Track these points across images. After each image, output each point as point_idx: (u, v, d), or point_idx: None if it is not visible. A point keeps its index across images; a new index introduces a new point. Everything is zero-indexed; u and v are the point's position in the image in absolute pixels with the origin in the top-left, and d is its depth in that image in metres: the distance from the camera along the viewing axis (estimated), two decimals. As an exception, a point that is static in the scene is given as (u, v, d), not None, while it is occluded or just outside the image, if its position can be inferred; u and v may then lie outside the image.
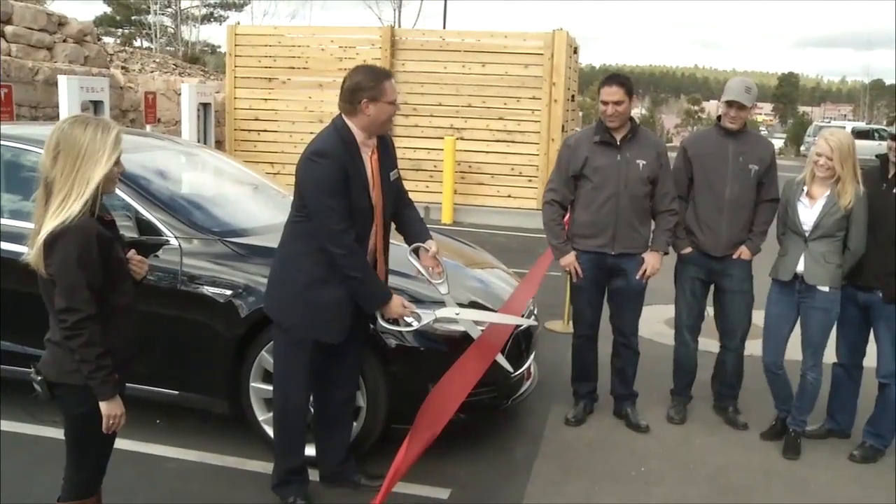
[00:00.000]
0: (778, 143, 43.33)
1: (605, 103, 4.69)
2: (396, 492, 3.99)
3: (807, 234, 4.52)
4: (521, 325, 4.29)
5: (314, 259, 3.54)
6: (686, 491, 4.25)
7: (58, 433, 4.22)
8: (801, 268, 4.55)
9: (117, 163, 2.75)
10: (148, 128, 12.32)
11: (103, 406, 2.73)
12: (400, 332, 3.92)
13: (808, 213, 4.53)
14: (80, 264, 2.63)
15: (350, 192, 3.48)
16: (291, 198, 3.80)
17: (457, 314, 3.85)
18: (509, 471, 4.36)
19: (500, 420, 4.81)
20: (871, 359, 4.77)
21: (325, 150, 3.49)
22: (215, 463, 4.25)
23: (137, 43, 34.22)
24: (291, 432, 3.79)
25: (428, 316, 3.80)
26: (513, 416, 4.90)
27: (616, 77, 4.77)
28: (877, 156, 4.64)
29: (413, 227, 3.91)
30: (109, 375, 2.71)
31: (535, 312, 4.96)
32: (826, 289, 4.51)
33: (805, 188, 4.56)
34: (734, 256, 4.84)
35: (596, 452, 4.65)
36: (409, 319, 3.76)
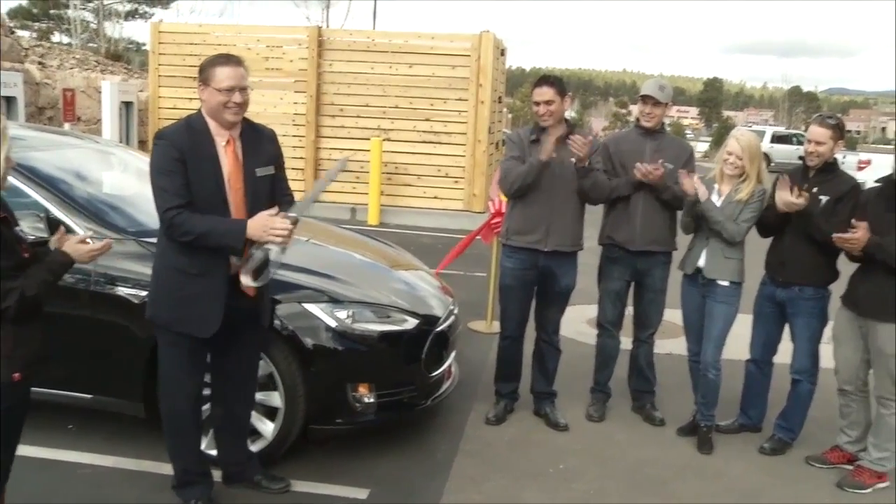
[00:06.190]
0: (703, 147, 44.30)
1: (537, 104, 4.78)
2: (314, 492, 4.02)
3: (710, 230, 4.69)
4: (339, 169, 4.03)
5: (177, 251, 3.48)
6: (604, 486, 4.33)
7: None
8: (702, 262, 4.72)
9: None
10: (66, 126, 12.00)
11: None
12: (273, 260, 3.54)
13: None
14: None
15: (192, 177, 3.40)
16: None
17: (292, 216, 3.49)
18: (429, 469, 4.37)
19: (421, 419, 4.82)
20: (780, 355, 4.95)
21: (163, 132, 3.49)
22: (131, 468, 4.16)
23: (56, 38, 33.21)
24: (178, 433, 3.75)
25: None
26: (433, 415, 4.91)
27: (546, 78, 4.85)
28: (800, 157, 4.80)
29: None
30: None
31: (456, 312, 4.99)
32: (726, 283, 4.69)
33: (716, 186, 4.71)
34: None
35: (516, 450, 4.69)
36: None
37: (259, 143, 3.64)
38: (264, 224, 3.38)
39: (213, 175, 3.46)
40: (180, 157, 3.39)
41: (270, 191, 3.64)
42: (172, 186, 3.38)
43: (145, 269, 4.10)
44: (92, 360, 4.24)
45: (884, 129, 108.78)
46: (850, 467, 4.55)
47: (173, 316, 3.56)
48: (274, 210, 3.43)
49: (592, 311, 5.47)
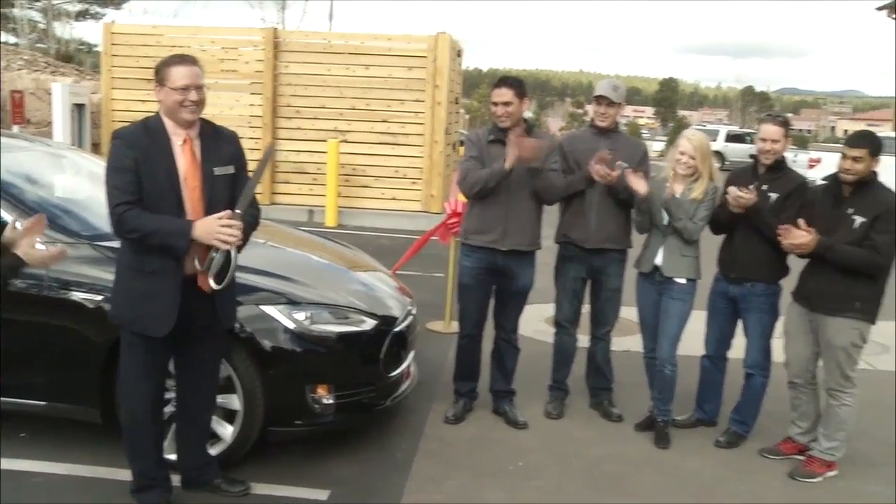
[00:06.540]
0: (659, 146, 44.76)
1: (495, 104, 4.80)
2: (274, 495, 4.01)
3: (665, 228, 4.76)
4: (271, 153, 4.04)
5: (131, 249, 3.50)
6: (563, 483, 4.37)
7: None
8: (659, 260, 4.78)
9: None
10: (15, 129, 11.79)
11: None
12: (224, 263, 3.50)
13: None
14: None
15: (146, 175, 3.41)
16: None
17: (238, 212, 3.49)
18: (389, 469, 4.38)
19: (381, 419, 4.82)
20: (734, 350, 5.04)
21: (119, 131, 3.51)
22: (86, 475, 4.11)
23: (2, 38, 32.47)
24: (136, 434, 3.72)
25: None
26: (393, 415, 4.92)
27: (506, 79, 4.88)
28: (751, 156, 4.89)
29: None
30: None
31: (415, 312, 5.00)
32: (683, 280, 4.77)
33: (669, 185, 4.78)
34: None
35: (475, 449, 4.72)
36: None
37: (218, 142, 3.65)
38: (211, 226, 3.39)
39: (167, 173, 3.47)
40: (133, 155, 3.41)
41: (230, 190, 3.63)
42: (123, 184, 3.39)
43: (100, 273, 4.07)
44: (46, 366, 4.17)
45: (833, 127, 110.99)
46: (802, 458, 4.66)
47: (130, 315, 3.56)
48: (225, 213, 3.43)
49: (550, 309, 5.52)
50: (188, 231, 3.39)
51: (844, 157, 4.32)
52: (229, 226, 3.40)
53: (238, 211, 3.49)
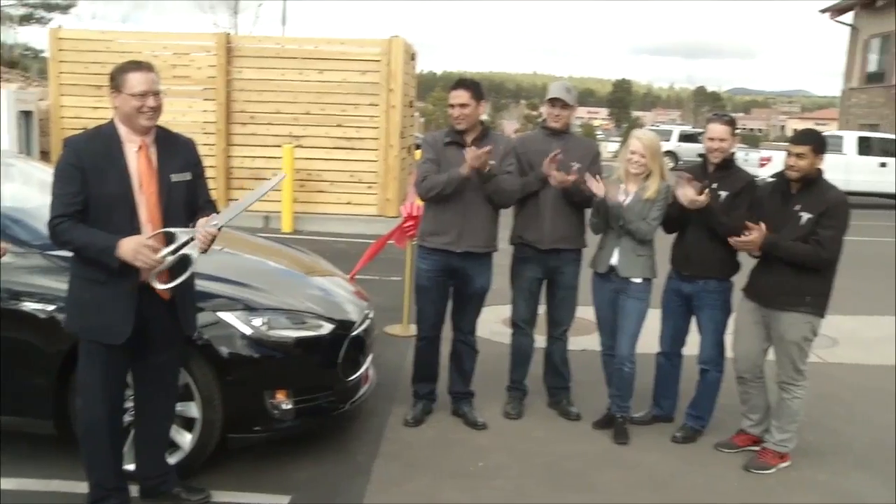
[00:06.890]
0: (614, 146, 45.15)
1: (452, 106, 4.83)
2: (234, 502, 3.99)
3: (619, 229, 4.82)
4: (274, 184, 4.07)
5: (83, 260, 3.48)
6: (524, 481, 4.40)
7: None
8: (614, 260, 4.84)
9: None
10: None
11: None
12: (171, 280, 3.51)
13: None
14: None
15: (96, 182, 3.39)
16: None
17: (214, 224, 3.55)
18: (350, 472, 4.38)
19: (340, 423, 4.81)
20: (688, 347, 5.12)
21: (69, 139, 3.50)
22: (38, 489, 4.04)
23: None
24: (93, 443, 3.68)
25: (186, 234, 3.49)
26: (352, 419, 4.92)
27: (463, 81, 4.91)
28: (700, 155, 4.98)
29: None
30: None
31: (372, 316, 5.00)
32: (639, 280, 4.83)
33: (623, 185, 4.84)
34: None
35: (436, 451, 4.73)
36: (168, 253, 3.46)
37: (175, 149, 3.64)
38: (135, 248, 3.36)
39: (119, 180, 3.44)
40: (78, 163, 3.38)
41: (187, 196, 3.63)
42: (63, 194, 3.38)
43: (51, 283, 4.01)
44: (-4, 378, 4.10)
45: (783, 126, 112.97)
46: (757, 449, 4.75)
47: (84, 324, 3.54)
48: (147, 235, 3.44)
49: (507, 310, 5.56)
50: (114, 248, 3.35)
51: (789, 154, 4.42)
52: (151, 248, 3.38)
53: (214, 222, 3.49)
